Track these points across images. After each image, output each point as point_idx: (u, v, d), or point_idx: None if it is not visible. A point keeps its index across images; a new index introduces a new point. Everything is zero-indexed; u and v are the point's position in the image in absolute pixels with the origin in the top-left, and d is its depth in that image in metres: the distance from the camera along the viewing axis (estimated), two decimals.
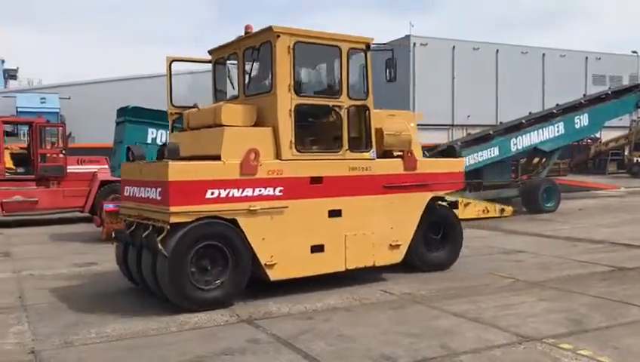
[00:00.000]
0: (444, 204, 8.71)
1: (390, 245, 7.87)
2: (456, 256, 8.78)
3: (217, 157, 6.71)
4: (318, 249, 7.27)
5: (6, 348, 5.44)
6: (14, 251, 11.45)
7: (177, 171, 6.40)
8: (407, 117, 8.76)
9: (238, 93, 7.76)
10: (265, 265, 6.89)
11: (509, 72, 46.18)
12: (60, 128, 17.15)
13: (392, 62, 7.80)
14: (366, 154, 7.69)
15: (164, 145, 7.16)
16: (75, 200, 15.54)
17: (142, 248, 6.80)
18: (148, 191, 6.76)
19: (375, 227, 7.72)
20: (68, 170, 15.58)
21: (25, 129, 19.14)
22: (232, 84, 7.96)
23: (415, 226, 8.13)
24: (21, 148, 17.50)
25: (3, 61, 49.42)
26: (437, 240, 8.59)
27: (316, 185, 7.27)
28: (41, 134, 16.09)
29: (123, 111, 12.82)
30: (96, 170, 15.86)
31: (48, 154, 16.34)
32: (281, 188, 6.99)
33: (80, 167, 16.02)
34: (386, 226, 7.82)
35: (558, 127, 17.02)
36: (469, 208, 14.72)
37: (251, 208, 6.75)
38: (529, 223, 14.30)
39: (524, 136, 16.56)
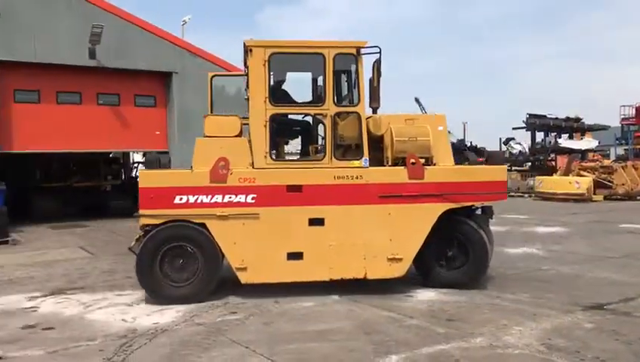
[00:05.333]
0: (463, 217, 7.79)
1: (388, 258, 7.44)
2: (478, 276, 7.77)
3: None
4: (295, 256, 7.32)
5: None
6: None
7: (145, 179, 7.24)
8: (433, 120, 8.03)
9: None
10: (236, 268, 7.27)
11: None
12: None
13: (378, 65, 7.35)
14: (356, 163, 7.44)
15: None
16: None
17: None
18: None
19: (367, 238, 7.39)
20: None
21: None
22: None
23: (421, 240, 7.50)
24: None
25: None
26: (455, 257, 7.77)
27: (294, 194, 7.33)
28: None
29: None
30: None
31: None
32: (254, 196, 7.26)
33: None
34: (381, 238, 7.42)
35: None
36: None
37: (220, 214, 7.20)
38: None
39: None
